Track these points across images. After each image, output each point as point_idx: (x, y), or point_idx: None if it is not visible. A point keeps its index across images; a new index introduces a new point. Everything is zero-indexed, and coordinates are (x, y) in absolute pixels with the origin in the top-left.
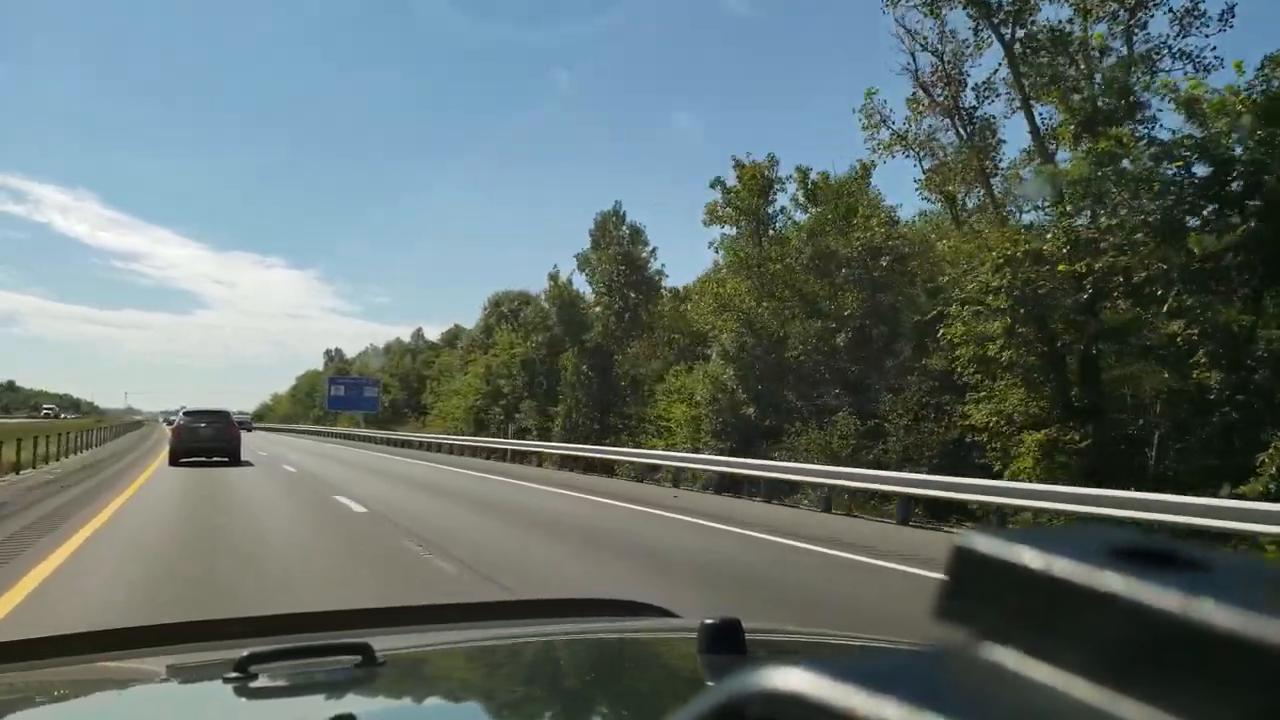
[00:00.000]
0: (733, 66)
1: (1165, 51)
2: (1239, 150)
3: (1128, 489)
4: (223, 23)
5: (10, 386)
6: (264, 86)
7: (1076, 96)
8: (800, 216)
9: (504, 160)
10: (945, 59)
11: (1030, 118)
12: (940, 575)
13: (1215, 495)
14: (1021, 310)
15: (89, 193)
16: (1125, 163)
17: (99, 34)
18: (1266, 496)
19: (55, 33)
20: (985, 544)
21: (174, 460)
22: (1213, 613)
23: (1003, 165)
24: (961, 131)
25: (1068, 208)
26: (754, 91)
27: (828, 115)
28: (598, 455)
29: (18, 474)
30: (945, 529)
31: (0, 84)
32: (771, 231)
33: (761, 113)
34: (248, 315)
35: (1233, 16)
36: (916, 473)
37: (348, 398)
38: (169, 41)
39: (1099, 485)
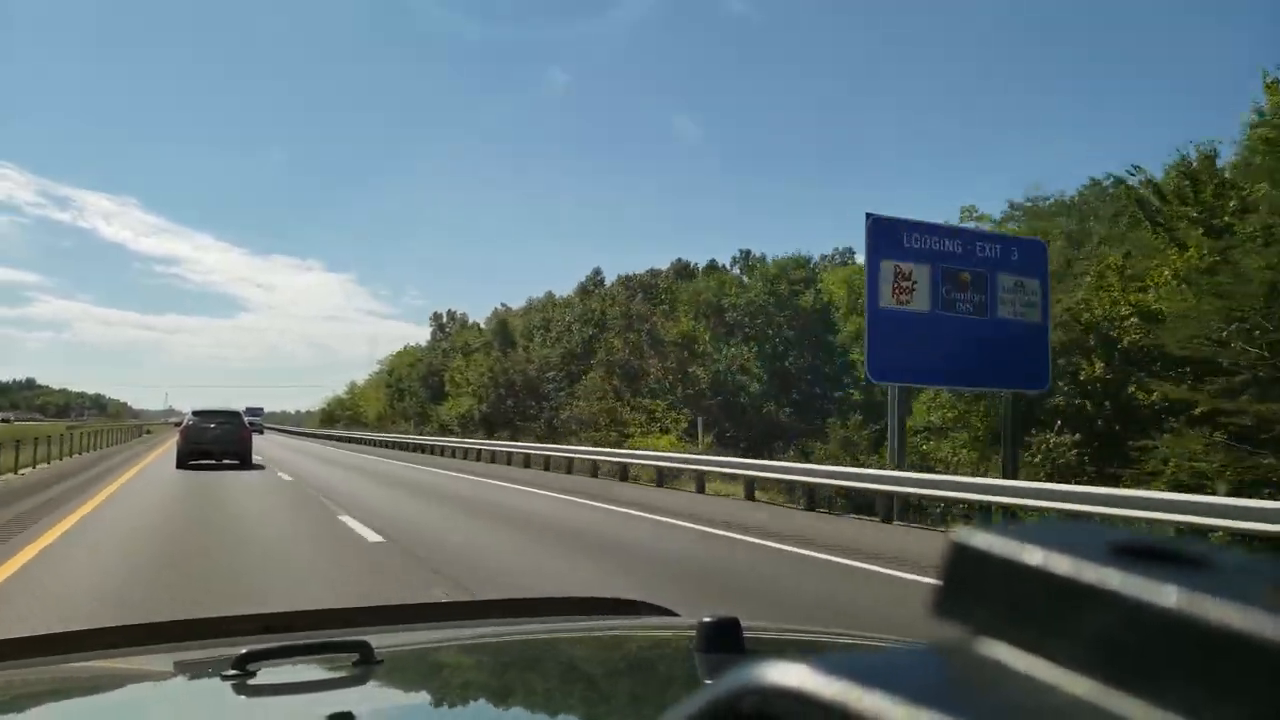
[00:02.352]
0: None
1: None
2: None
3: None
4: (258, 28)
5: (29, 384)
6: (302, 93)
7: None
8: None
9: (536, 163)
10: None
11: None
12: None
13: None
14: None
15: (131, 198)
16: None
17: (137, 40)
18: None
19: (94, 40)
20: (983, 540)
21: (181, 463)
22: (1212, 610)
23: None
24: None
25: None
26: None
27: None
28: None
29: None
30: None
31: (43, 92)
32: None
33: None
34: (288, 318)
35: None
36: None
37: (981, 344)
38: (206, 46)
39: None
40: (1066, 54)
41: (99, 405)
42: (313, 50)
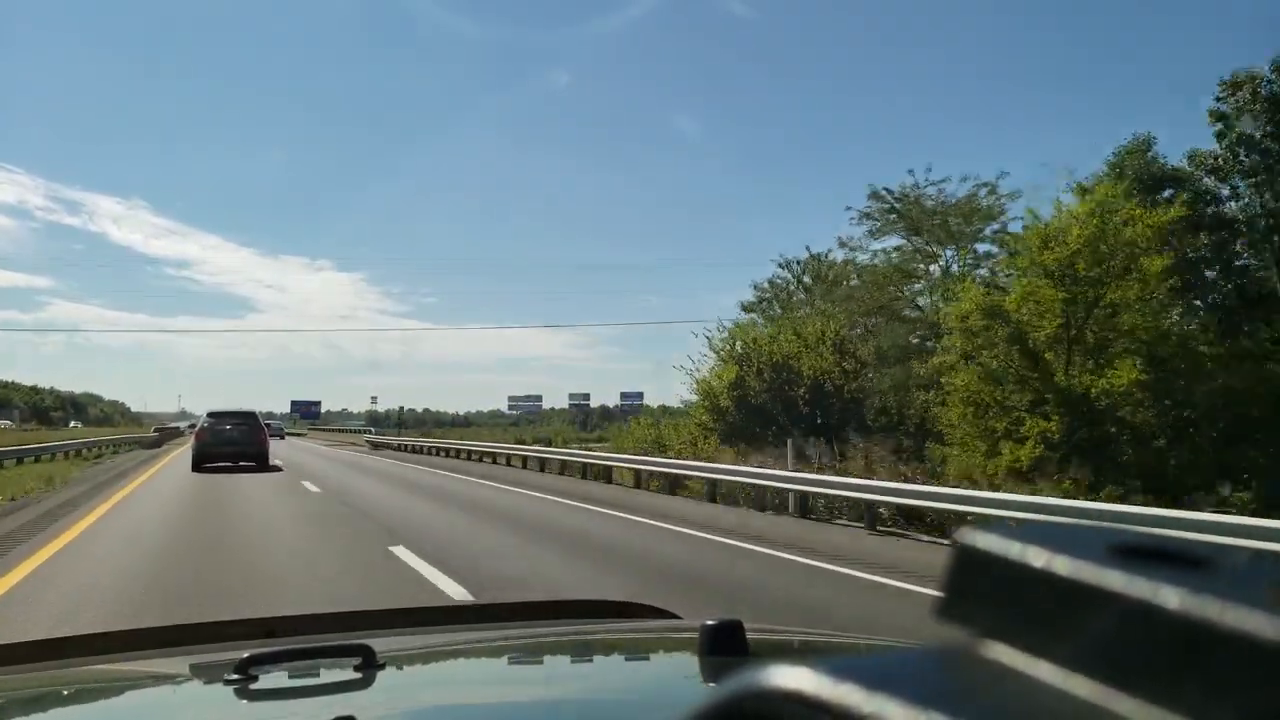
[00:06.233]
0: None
1: None
2: None
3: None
4: (265, 29)
5: None
6: (308, 94)
7: None
8: None
9: (544, 161)
10: None
11: None
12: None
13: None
14: None
15: (140, 201)
16: None
17: (143, 42)
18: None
19: (99, 43)
20: (987, 542)
21: (197, 465)
22: (1213, 611)
23: None
24: None
25: None
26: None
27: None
28: None
29: None
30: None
31: (51, 95)
32: None
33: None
34: (300, 318)
35: None
36: None
37: None
38: (212, 48)
39: None
40: (1060, 44)
41: (75, 405)
42: (318, 52)
